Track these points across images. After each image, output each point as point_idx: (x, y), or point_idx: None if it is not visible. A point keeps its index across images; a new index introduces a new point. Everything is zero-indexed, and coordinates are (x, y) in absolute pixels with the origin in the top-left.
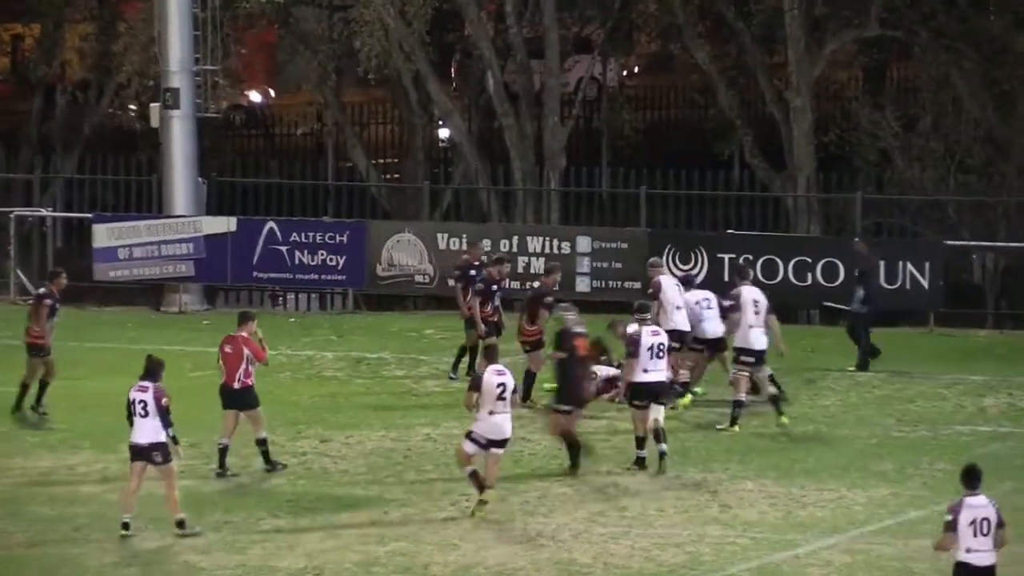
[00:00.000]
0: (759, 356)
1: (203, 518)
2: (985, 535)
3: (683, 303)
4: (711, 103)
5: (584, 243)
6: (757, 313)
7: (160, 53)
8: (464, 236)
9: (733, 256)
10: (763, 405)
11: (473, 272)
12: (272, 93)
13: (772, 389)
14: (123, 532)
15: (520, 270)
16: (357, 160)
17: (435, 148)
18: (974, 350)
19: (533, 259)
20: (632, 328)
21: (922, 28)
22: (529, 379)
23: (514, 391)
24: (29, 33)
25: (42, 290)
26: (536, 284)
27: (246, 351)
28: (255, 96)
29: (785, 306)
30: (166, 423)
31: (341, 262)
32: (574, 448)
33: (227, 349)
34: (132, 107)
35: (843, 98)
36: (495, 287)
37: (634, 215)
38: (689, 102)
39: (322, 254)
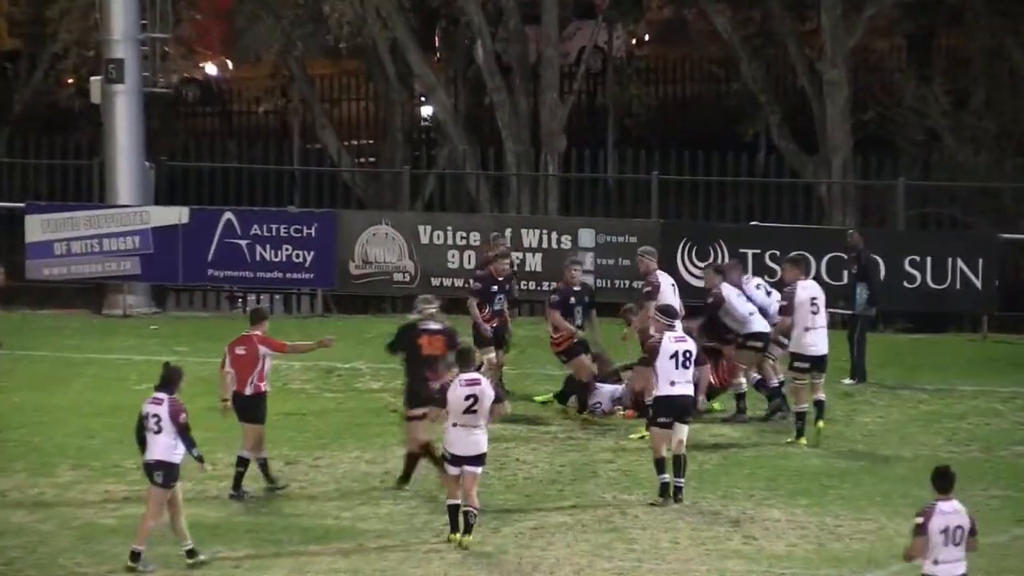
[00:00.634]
0: (815, 362)
1: (151, 550)
2: (957, 544)
3: (680, 306)
4: (732, 76)
5: (587, 236)
6: (815, 313)
7: (102, 19)
8: (449, 228)
9: (757, 251)
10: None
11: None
12: (230, 65)
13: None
14: (191, 560)
15: (514, 267)
16: (327, 142)
17: (416, 128)
18: None
19: (529, 255)
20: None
21: None
22: (577, 388)
23: (498, 401)
24: None
25: None
26: (536, 284)
27: (262, 350)
28: (210, 69)
29: None
30: (188, 443)
31: (309, 258)
32: (414, 460)
33: (239, 351)
34: (70, 81)
35: (884, 70)
36: (494, 287)
37: (644, 204)
38: (707, 75)
39: (287, 249)
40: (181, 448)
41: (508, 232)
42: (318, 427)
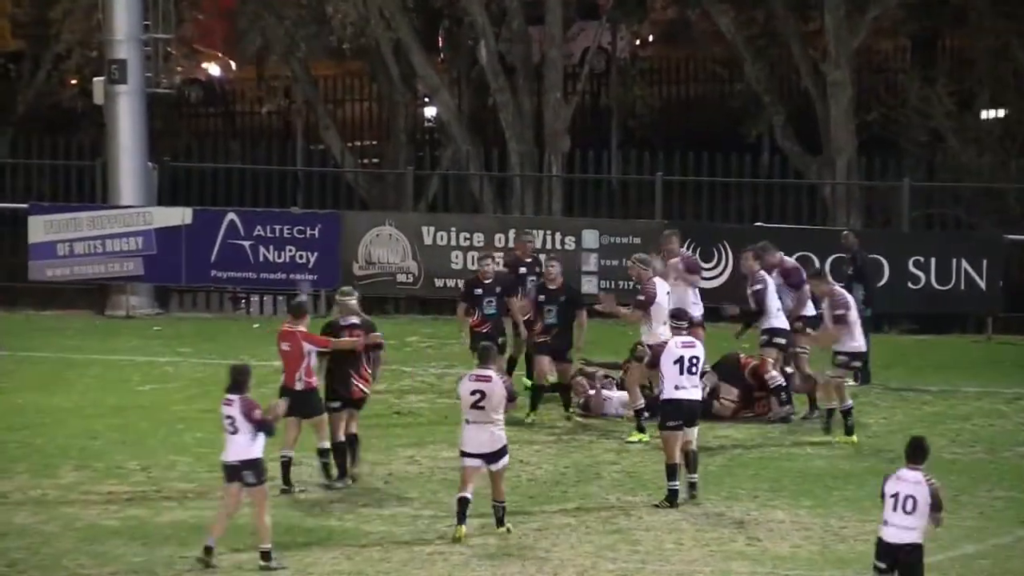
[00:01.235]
0: (858, 357)
1: (154, 553)
2: (908, 513)
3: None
4: (736, 77)
5: (591, 237)
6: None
7: (104, 20)
8: (452, 229)
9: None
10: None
11: (524, 270)
12: (233, 66)
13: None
14: (201, 556)
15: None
16: (330, 143)
17: (420, 129)
18: None
19: None
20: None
21: None
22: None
23: (511, 399)
24: None
25: None
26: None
27: (306, 346)
28: (213, 69)
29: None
30: (268, 432)
31: (312, 259)
32: (342, 454)
33: (284, 347)
34: (73, 82)
35: (888, 71)
36: (478, 290)
37: (648, 205)
38: (711, 76)
39: (290, 250)
40: (259, 442)
41: (511, 233)
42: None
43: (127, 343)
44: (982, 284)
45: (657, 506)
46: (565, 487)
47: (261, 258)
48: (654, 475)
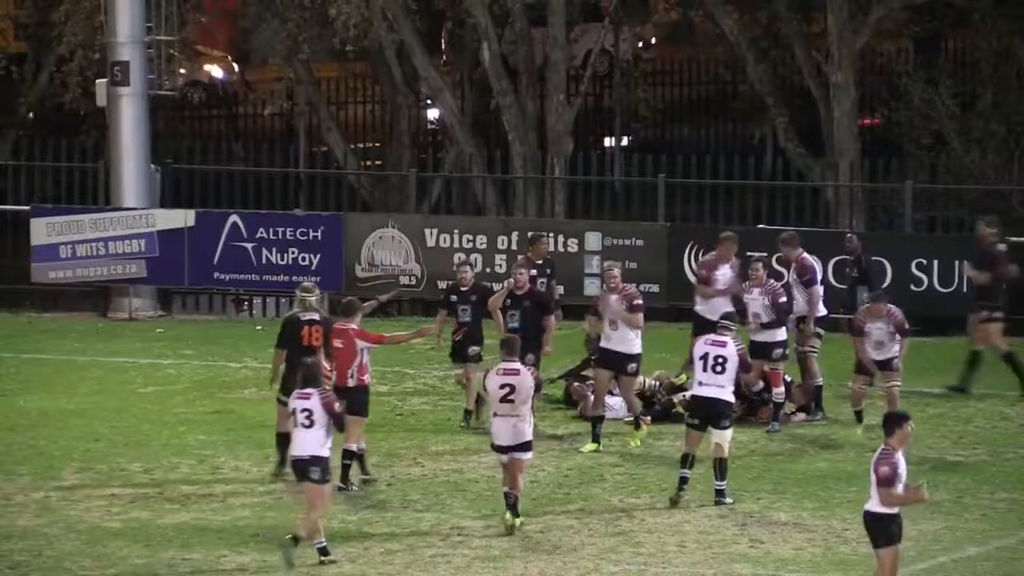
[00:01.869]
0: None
1: (157, 555)
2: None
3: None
4: (739, 79)
5: (594, 239)
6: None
7: (107, 22)
8: (455, 231)
9: (764, 255)
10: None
11: (535, 272)
12: (236, 68)
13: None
14: (323, 559)
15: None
16: (333, 144)
17: (422, 131)
18: None
19: None
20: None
21: None
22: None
23: (538, 391)
24: None
25: None
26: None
27: (360, 344)
28: (216, 72)
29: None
30: (340, 426)
31: (315, 261)
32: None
33: (337, 344)
34: (75, 84)
35: (891, 73)
36: (453, 297)
37: (651, 207)
38: (714, 78)
39: (293, 252)
40: (329, 441)
41: (514, 235)
42: None
43: (130, 345)
44: None
45: (672, 497)
46: (568, 489)
47: (264, 260)
48: (657, 477)
